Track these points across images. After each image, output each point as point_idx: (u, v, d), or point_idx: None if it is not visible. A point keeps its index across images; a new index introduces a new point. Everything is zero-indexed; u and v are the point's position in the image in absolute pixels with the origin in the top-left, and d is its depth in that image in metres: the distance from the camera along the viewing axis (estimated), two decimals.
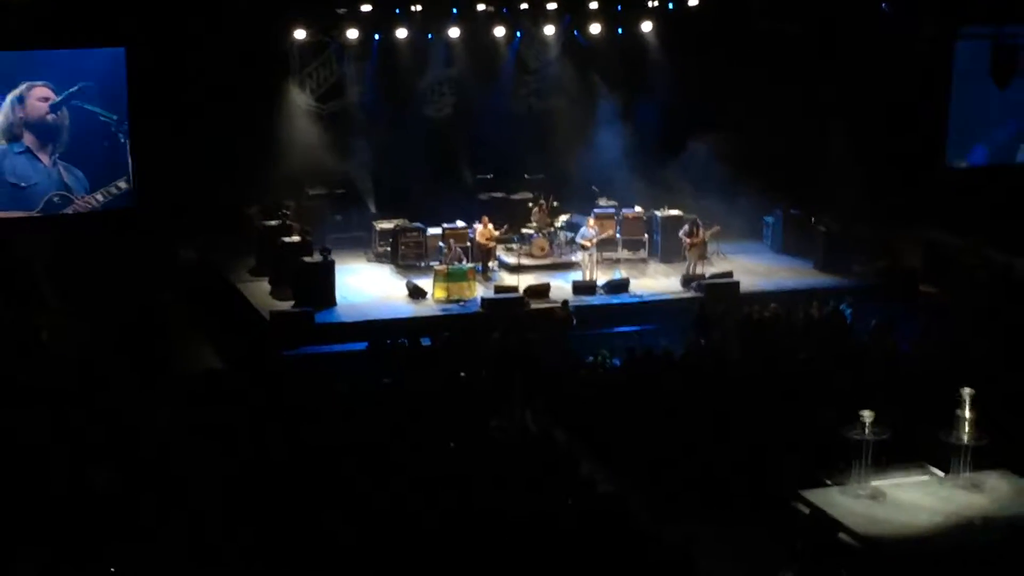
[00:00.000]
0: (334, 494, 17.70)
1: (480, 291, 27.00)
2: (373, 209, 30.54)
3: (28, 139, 28.42)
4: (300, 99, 30.43)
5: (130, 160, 28.87)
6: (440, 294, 26.68)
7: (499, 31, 31.01)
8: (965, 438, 17.85)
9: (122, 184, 29.05)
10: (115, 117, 28.72)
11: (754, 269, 29.11)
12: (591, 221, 28.95)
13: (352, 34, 29.85)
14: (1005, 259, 28.39)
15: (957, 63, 32.94)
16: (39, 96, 28.37)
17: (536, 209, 29.71)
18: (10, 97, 28.07)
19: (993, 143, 34.06)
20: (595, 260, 28.23)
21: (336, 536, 16.89)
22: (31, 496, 16.95)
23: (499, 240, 28.77)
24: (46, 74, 28.30)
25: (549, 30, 31.51)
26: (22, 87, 28.19)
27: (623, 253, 29.75)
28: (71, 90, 28.41)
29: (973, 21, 31.85)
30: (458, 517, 17.30)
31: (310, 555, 16.85)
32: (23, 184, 28.48)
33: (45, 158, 28.58)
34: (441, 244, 28.32)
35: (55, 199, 28.68)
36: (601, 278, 27.81)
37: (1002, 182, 32.44)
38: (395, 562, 16.43)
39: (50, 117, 28.47)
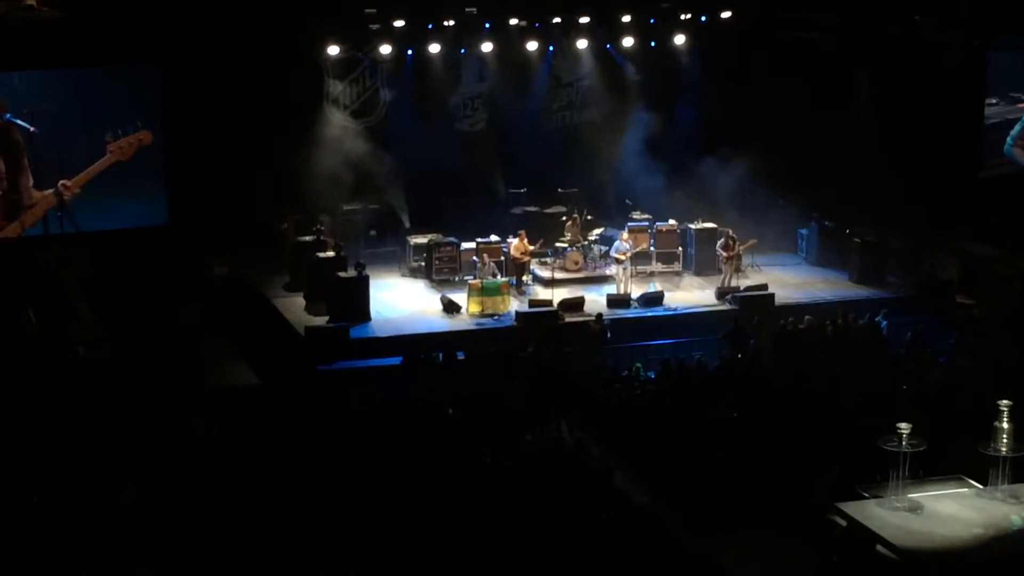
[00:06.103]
0: (369, 509, 17.71)
1: (514, 305, 26.97)
2: (407, 224, 30.57)
3: None
4: (334, 115, 30.54)
5: (164, 176, 28.67)
6: (474, 308, 26.65)
7: (532, 45, 31.04)
8: (1003, 449, 17.73)
9: None
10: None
11: (789, 281, 28.99)
12: (624, 235, 28.90)
13: (385, 50, 29.95)
14: None
15: (990, 72, 32.79)
16: None
17: (570, 223, 29.70)
18: None
19: None
20: (629, 273, 28.18)
21: (368, 550, 16.91)
22: (57, 510, 17.03)
23: (533, 254, 28.72)
24: None
25: (582, 44, 31.54)
26: None
27: (657, 266, 29.63)
28: None
29: (1005, 31, 31.61)
30: (492, 531, 17.31)
31: (341, 570, 16.85)
32: None
33: None
34: (475, 258, 28.30)
35: None
36: (635, 291, 27.74)
37: None
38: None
39: None
